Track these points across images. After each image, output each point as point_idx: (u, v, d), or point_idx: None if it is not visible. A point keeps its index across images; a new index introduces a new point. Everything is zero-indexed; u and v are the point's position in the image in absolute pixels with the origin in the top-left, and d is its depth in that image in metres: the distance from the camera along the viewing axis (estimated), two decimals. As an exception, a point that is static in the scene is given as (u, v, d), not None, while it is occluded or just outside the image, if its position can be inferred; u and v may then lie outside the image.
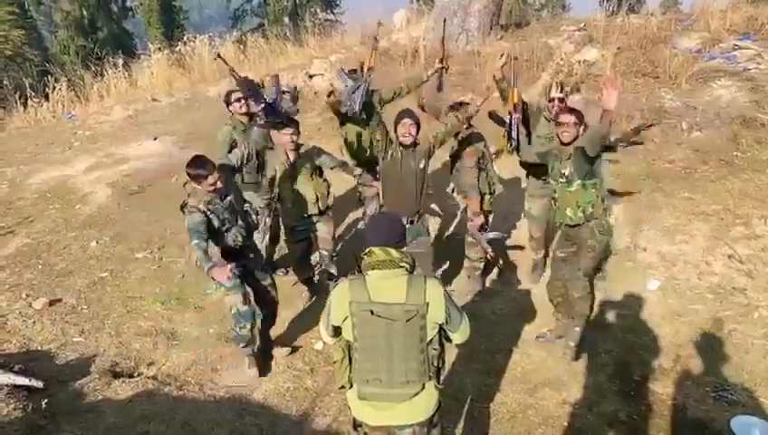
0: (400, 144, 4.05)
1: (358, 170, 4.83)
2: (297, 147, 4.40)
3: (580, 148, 3.56)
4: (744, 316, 4.23)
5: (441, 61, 4.74)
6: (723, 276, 4.59)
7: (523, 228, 5.18)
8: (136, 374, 4.00)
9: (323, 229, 4.65)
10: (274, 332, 4.25)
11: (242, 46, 11.28)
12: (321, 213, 4.55)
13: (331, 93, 4.74)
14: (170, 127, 8.49)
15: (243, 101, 4.49)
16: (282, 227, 4.91)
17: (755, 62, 6.94)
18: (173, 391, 3.79)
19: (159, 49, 11.04)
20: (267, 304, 4.02)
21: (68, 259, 5.42)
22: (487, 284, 5.02)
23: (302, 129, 4.68)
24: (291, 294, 4.82)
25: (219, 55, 4.60)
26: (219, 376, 4.05)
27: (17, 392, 3.52)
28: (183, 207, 3.53)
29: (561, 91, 4.36)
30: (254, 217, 3.91)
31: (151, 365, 4.13)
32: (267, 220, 4.93)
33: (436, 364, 2.40)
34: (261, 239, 4.83)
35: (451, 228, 5.89)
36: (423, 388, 2.36)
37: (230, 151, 4.22)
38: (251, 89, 3.90)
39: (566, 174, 3.67)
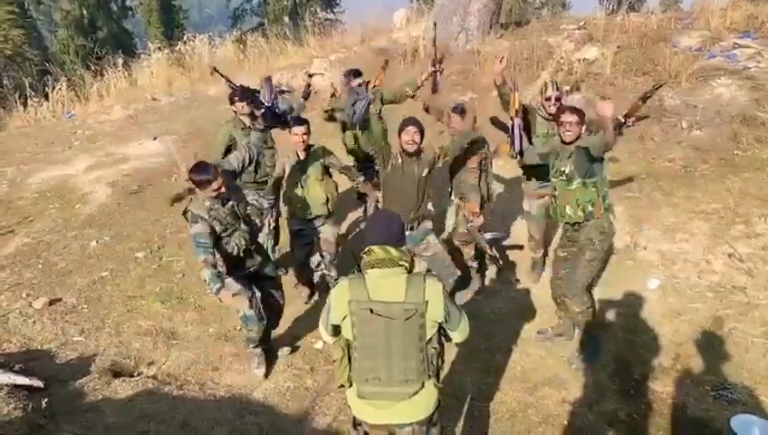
0: (404, 151, 4.02)
1: (360, 178, 4.85)
2: (308, 147, 4.35)
3: (584, 148, 3.56)
4: (744, 315, 4.22)
5: (434, 63, 4.71)
6: (723, 275, 4.59)
7: (522, 228, 5.18)
8: (136, 374, 3.99)
9: (327, 231, 4.58)
10: (275, 331, 4.25)
11: (242, 46, 11.29)
12: (328, 214, 4.52)
13: (332, 94, 4.74)
14: (170, 126, 8.49)
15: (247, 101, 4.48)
16: (285, 228, 4.89)
17: (755, 60, 6.94)
18: (173, 391, 3.79)
19: (159, 48, 11.04)
20: (272, 309, 4.03)
21: (68, 259, 5.43)
22: (487, 283, 5.01)
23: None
24: (291, 293, 4.80)
25: (215, 69, 4.60)
26: (219, 375, 4.04)
27: (17, 392, 3.51)
28: (185, 213, 3.56)
29: (556, 90, 4.35)
30: (257, 220, 3.91)
31: (151, 364, 4.12)
32: (272, 221, 4.92)
33: (435, 363, 2.40)
34: (267, 241, 4.82)
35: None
36: (422, 386, 2.36)
37: (228, 150, 4.21)
38: (249, 96, 3.90)
39: (566, 172, 3.66)
